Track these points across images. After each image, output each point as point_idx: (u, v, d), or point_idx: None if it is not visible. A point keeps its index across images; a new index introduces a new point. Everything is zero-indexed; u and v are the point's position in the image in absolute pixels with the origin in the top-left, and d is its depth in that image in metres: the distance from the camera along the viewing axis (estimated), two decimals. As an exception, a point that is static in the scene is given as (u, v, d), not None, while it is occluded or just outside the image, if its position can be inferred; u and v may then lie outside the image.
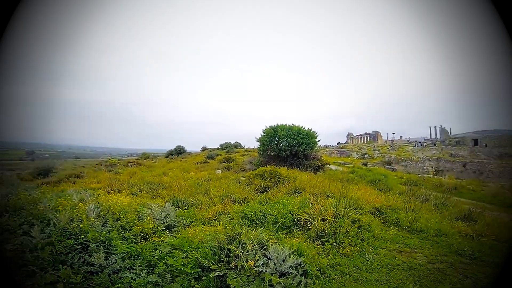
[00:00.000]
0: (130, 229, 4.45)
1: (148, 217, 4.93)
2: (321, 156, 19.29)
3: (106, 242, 3.77)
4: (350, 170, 18.10)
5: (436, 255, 4.73)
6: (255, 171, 11.23)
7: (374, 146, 45.74)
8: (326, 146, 53.55)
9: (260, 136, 17.47)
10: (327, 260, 4.31)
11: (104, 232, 3.94)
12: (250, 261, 3.37)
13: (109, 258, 3.42)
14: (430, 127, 52.28)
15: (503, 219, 7.25)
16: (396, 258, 4.56)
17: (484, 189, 14.23)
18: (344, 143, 62.23)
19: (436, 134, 49.65)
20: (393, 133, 57.89)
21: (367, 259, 4.52)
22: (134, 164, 21.20)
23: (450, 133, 47.11)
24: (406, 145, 42.56)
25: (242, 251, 3.46)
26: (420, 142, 44.66)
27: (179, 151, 35.38)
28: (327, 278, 3.96)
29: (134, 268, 3.40)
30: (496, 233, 5.66)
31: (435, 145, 38.20)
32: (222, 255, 3.54)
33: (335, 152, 40.90)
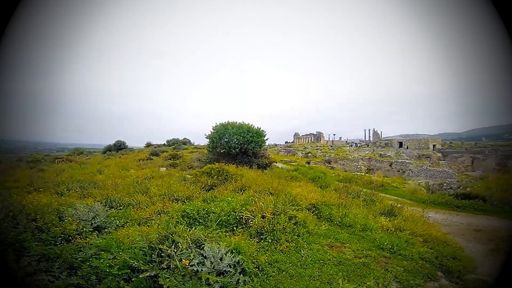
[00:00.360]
0: (48, 231, 4.11)
1: (70, 218, 4.54)
2: (269, 154, 19.89)
3: (17, 244, 3.45)
4: (294, 168, 19.00)
5: (362, 250, 5.01)
6: (202, 168, 10.99)
7: (317, 146, 49.08)
8: (275, 145, 55.52)
9: (210, 133, 17.20)
10: (266, 257, 4.37)
11: (13, 233, 3.58)
12: (184, 261, 3.29)
13: (21, 261, 3.16)
14: (364, 130, 58.48)
15: (418, 213, 7.84)
16: (328, 253, 4.78)
17: (405, 186, 16.22)
18: (291, 142, 65.35)
19: (369, 136, 55.73)
20: (334, 134, 63.13)
21: (302, 254, 4.67)
22: (63, 161, 18.83)
23: (381, 136, 53.41)
24: (344, 146, 46.75)
25: (175, 251, 3.36)
26: (355, 143, 49.62)
27: (118, 147, 32.56)
28: (265, 276, 4.02)
29: (52, 270, 3.18)
30: (411, 228, 6.16)
31: (368, 146, 42.80)
32: (153, 255, 3.40)
33: (283, 150, 42.64)
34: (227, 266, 3.48)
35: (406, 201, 11.68)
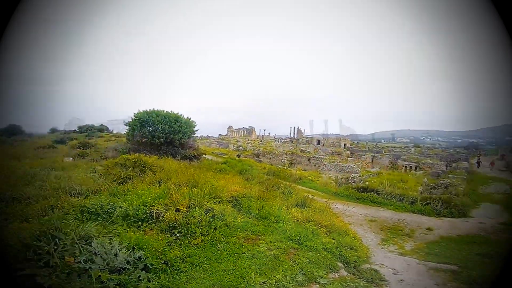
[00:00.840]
0: None
1: None
2: (198, 146, 19.37)
3: None
4: (224, 161, 19.02)
5: (274, 242, 5.11)
6: (116, 159, 9.89)
7: (248, 140, 50.50)
8: (208, 137, 54.62)
9: (130, 120, 15.67)
10: (178, 252, 4.18)
11: None
12: (68, 258, 2.96)
13: None
14: (290, 127, 63.18)
15: (326, 204, 8.38)
16: (243, 246, 4.78)
17: (319, 180, 17.96)
18: (225, 135, 65.46)
19: (294, 134, 60.60)
20: (264, 130, 66.02)
21: (218, 248, 4.58)
22: None
23: (304, 134, 58.63)
24: (272, 141, 49.46)
25: (56, 247, 2.97)
26: (282, 139, 53.17)
27: (12, 132, 26.70)
28: (175, 271, 3.84)
29: None
30: (318, 218, 6.45)
31: (292, 142, 46.35)
32: (28, 252, 2.97)
33: (215, 143, 42.38)
34: (124, 262, 3.19)
35: (319, 193, 12.85)
